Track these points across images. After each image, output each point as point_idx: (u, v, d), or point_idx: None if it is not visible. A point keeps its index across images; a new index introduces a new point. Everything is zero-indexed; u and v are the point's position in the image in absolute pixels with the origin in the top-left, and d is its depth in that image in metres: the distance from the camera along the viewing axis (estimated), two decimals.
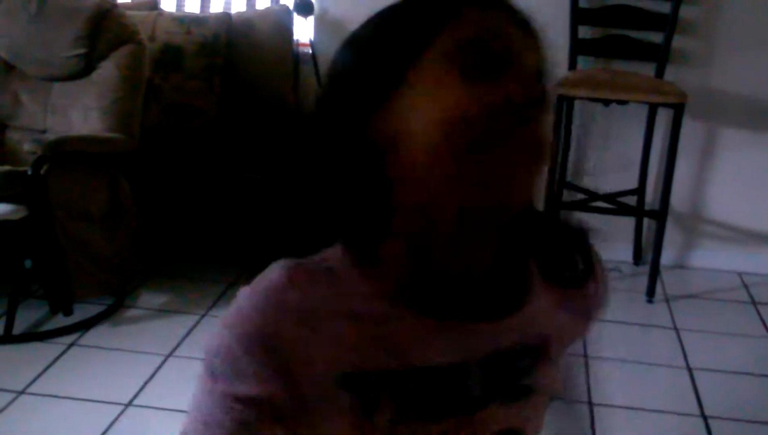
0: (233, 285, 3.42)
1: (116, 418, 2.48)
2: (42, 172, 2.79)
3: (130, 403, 2.56)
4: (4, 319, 2.93)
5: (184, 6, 3.90)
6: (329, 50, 3.81)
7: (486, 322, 0.81)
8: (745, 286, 3.64)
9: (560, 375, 0.90)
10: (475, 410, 0.81)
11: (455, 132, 0.72)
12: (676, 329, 3.22)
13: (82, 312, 3.05)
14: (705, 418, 2.64)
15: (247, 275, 0.84)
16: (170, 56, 3.48)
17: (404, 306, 0.78)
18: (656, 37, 3.43)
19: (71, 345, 2.90)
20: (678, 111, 3.17)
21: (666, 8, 3.38)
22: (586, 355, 2.96)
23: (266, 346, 0.76)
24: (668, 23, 3.37)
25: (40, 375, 2.69)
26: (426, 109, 0.73)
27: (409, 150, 0.75)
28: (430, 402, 0.79)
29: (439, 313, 0.79)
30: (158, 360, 2.82)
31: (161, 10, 3.75)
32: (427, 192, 0.75)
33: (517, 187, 0.75)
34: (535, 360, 0.85)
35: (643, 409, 2.68)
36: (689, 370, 2.92)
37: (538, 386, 0.86)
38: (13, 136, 3.22)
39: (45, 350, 2.85)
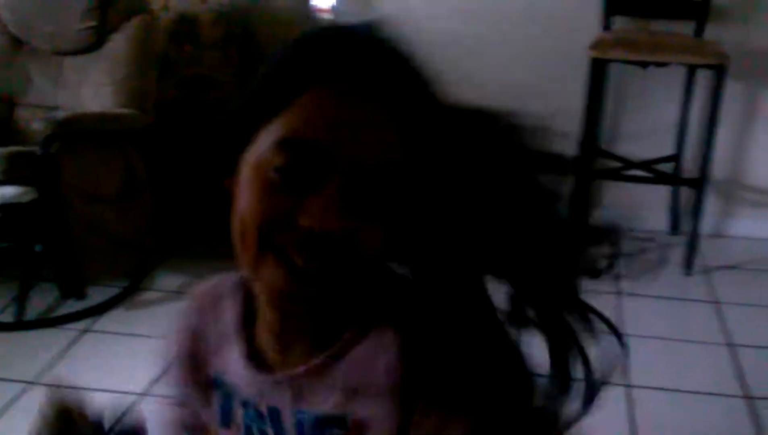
0: None
1: (129, 410, 2.39)
2: (52, 151, 2.68)
3: (144, 393, 2.47)
4: (14, 304, 2.85)
5: None
6: (351, 18, 3.70)
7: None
8: None
9: None
10: None
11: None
12: (716, 303, 3.07)
13: (96, 295, 2.97)
14: (750, 398, 2.50)
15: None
16: (185, 27, 3.36)
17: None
18: None
19: (85, 331, 2.81)
20: (719, 72, 3.00)
21: None
22: (622, 333, 2.83)
23: None
24: None
25: (52, 364, 2.61)
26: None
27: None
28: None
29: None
30: None
31: None
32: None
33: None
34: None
35: (682, 391, 2.55)
36: (731, 347, 2.78)
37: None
38: (23, 113, 3.12)
39: (57, 337, 2.76)
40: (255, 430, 0.88)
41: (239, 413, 0.89)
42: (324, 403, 0.82)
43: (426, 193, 0.75)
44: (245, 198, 0.77)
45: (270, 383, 0.86)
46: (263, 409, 0.86)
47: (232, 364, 0.89)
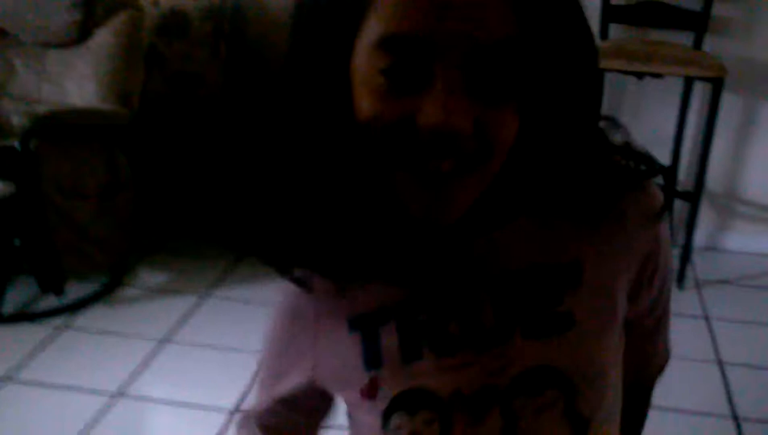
0: (237, 262, 3.26)
1: (104, 409, 2.34)
2: (31, 147, 2.62)
3: (120, 393, 2.42)
4: None
5: None
6: None
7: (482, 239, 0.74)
8: None
9: (621, 310, 0.78)
10: (493, 345, 0.74)
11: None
12: (706, 318, 3.01)
13: (76, 291, 2.91)
14: (737, 419, 2.44)
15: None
16: (175, 22, 3.30)
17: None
18: (694, 4, 3.19)
19: (62, 327, 2.75)
20: (716, 85, 2.94)
21: None
22: None
23: None
24: None
25: (26, 360, 2.55)
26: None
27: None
28: (437, 333, 0.74)
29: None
30: (153, 345, 2.67)
31: None
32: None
33: None
34: (562, 285, 0.75)
35: (667, 409, 2.48)
36: (720, 364, 2.72)
37: (578, 318, 0.74)
38: (6, 106, 3.05)
39: (34, 332, 2.71)
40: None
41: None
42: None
43: (543, 68, 0.67)
44: (361, 113, 0.67)
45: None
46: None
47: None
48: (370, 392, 0.77)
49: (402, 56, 0.63)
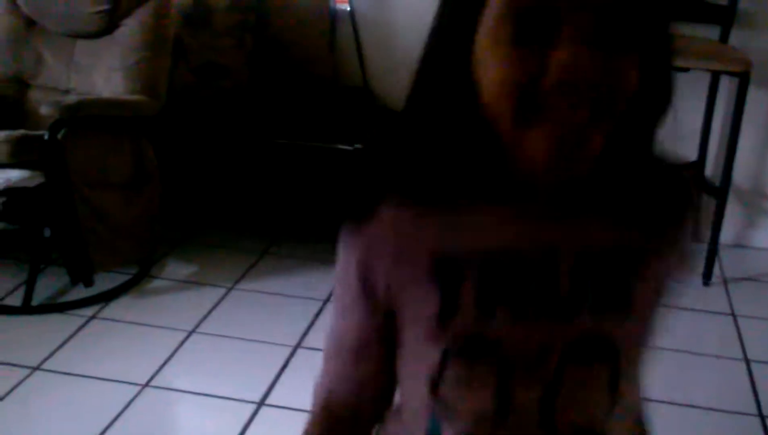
0: (265, 254, 3.28)
1: (132, 400, 2.36)
2: (59, 136, 2.65)
3: (147, 384, 2.44)
4: (23, 289, 2.82)
5: None
6: (368, 8, 3.63)
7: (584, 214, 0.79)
8: None
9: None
10: (563, 313, 0.78)
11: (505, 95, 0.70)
12: (733, 315, 3.00)
13: (105, 282, 2.93)
14: (763, 417, 2.43)
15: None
16: (200, 13, 3.32)
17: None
18: None
19: (91, 318, 2.78)
20: (743, 80, 2.92)
21: None
22: None
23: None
24: None
25: (56, 350, 2.58)
26: (489, 67, 0.71)
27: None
28: (515, 293, 0.77)
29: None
30: (181, 336, 2.69)
31: None
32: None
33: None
34: (632, 273, 0.80)
35: (692, 406, 2.48)
36: (747, 362, 2.71)
37: (639, 305, 0.80)
38: (35, 95, 3.09)
39: (64, 323, 2.73)
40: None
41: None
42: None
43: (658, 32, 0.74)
44: (490, 78, 0.71)
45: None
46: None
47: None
48: (435, 335, 0.79)
49: (528, 21, 0.69)
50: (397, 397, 0.92)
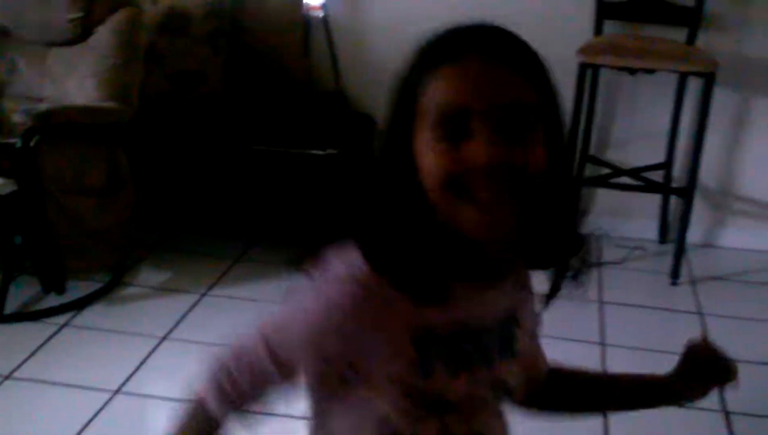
0: (238, 260, 3.30)
1: (103, 406, 2.38)
2: (32, 144, 2.67)
3: (118, 390, 2.46)
4: None
5: None
6: (342, 14, 3.66)
7: (494, 288, 1.00)
8: None
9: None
10: (493, 364, 1.01)
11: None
12: (700, 314, 3.04)
13: (78, 290, 2.95)
14: (727, 413, 2.47)
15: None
16: (175, 20, 3.34)
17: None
18: (688, 0, 3.21)
19: (64, 325, 2.80)
20: (708, 80, 2.97)
21: None
22: (602, 342, 2.81)
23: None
24: None
25: (28, 358, 2.60)
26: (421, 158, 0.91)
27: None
28: (466, 356, 0.99)
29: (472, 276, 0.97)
30: (153, 342, 2.71)
31: None
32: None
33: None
34: (517, 327, 1.05)
35: None
36: None
37: (520, 350, 1.06)
38: (8, 104, 3.10)
39: (36, 331, 2.75)
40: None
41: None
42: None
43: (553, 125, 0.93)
44: (426, 162, 0.90)
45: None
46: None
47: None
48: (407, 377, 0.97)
49: (455, 122, 0.87)
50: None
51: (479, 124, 0.87)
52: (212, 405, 1.08)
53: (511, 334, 1.04)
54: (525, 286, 1.07)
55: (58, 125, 2.79)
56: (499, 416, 1.11)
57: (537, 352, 1.23)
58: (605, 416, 2.39)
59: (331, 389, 1.01)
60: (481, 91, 0.87)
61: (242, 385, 1.06)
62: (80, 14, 3.01)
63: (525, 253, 0.99)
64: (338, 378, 0.98)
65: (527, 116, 0.89)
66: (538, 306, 1.10)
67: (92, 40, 3.04)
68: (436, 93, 0.89)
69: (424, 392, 0.97)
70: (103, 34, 3.02)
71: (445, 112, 0.88)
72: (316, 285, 0.98)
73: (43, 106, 2.84)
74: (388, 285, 0.92)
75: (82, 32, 3.04)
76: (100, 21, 3.03)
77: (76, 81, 3.04)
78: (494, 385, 1.03)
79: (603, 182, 3.46)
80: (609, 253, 3.49)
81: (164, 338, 2.74)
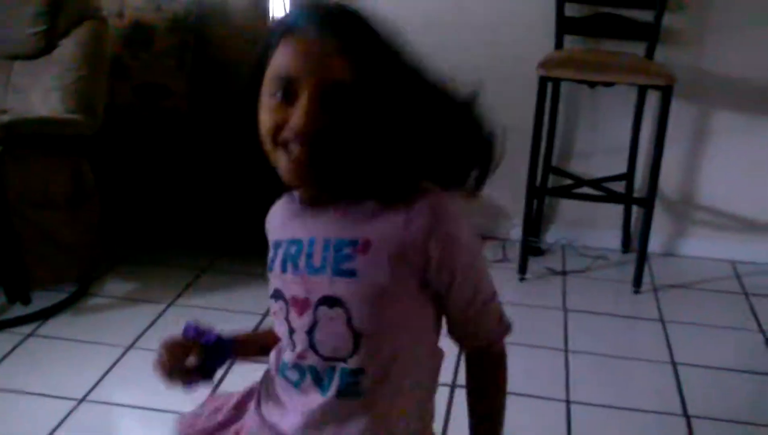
0: (204, 271, 3.31)
1: (67, 415, 2.37)
2: None
3: (83, 399, 2.45)
4: None
5: None
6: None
7: (331, 210, 1.19)
8: (738, 276, 3.50)
9: (385, 276, 1.14)
10: (311, 274, 1.17)
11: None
12: (662, 321, 3.09)
13: (43, 300, 2.94)
14: (687, 417, 2.51)
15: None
16: (140, 34, 3.35)
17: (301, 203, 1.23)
18: (646, 15, 3.28)
19: (29, 335, 2.79)
20: (666, 93, 3.03)
21: None
22: (566, 350, 2.85)
23: None
24: (658, 0, 3.22)
25: None
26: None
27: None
28: (295, 261, 1.20)
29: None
30: (118, 352, 2.71)
31: None
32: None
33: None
34: (355, 252, 1.14)
35: (623, 408, 2.55)
36: (674, 365, 2.79)
37: (360, 273, 1.14)
38: None
39: (1, 340, 2.73)
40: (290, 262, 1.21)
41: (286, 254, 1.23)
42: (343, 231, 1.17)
43: (374, 105, 1.09)
44: (262, 118, 1.12)
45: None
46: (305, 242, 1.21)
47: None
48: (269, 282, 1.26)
49: (283, 86, 1.08)
50: None
51: (303, 92, 1.07)
52: None
53: (342, 254, 1.16)
54: (395, 223, 1.14)
55: (22, 137, 2.79)
56: (357, 335, 1.17)
57: (471, 317, 1.25)
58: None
59: None
60: (306, 64, 1.06)
61: None
62: (44, 27, 3.01)
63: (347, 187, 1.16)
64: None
65: (342, 91, 1.06)
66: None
67: (57, 53, 3.04)
68: (274, 62, 1.09)
69: (271, 284, 1.25)
70: (68, 47, 3.03)
71: (276, 78, 1.08)
72: None
73: (5, 118, 2.84)
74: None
75: (46, 45, 3.04)
76: (65, 34, 3.04)
77: (40, 93, 3.04)
78: (326, 298, 1.16)
79: (566, 193, 3.52)
80: (572, 262, 3.54)
81: (130, 347, 2.74)
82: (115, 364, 2.64)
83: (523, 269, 3.36)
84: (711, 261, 3.60)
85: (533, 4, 3.33)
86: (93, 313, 2.98)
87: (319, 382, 1.20)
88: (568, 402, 2.55)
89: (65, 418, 2.36)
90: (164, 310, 2.99)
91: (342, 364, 1.17)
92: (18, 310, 2.88)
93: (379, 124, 1.09)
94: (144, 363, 2.62)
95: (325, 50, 1.06)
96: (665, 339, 2.96)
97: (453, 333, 1.26)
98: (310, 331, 1.18)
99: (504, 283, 3.29)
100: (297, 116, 1.06)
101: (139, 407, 2.44)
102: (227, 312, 2.99)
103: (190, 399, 2.41)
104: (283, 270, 1.22)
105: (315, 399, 1.20)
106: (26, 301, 2.85)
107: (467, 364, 1.30)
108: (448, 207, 1.13)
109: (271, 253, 1.26)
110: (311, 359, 1.19)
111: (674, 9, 3.30)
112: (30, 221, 2.81)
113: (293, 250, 1.21)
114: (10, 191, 2.72)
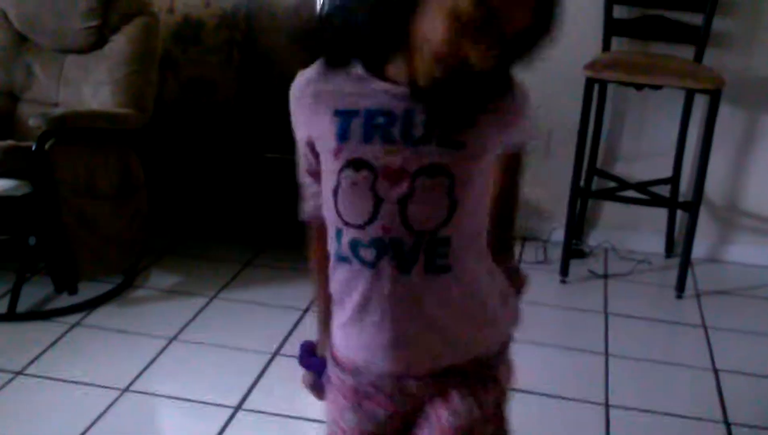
0: (248, 265, 3.35)
1: (112, 404, 2.42)
2: (46, 147, 2.72)
3: (127, 389, 2.50)
4: (9, 296, 2.89)
5: None
6: None
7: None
8: None
9: (492, 146, 1.21)
10: (417, 144, 1.14)
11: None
12: (704, 327, 3.06)
13: (90, 291, 3.00)
14: (728, 424, 2.49)
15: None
16: (189, 29, 3.40)
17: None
18: (696, 19, 3.26)
19: (75, 325, 2.84)
20: (714, 97, 3.00)
21: None
22: (606, 353, 2.83)
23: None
24: (708, 3, 3.19)
25: (39, 355, 2.64)
26: None
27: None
28: (386, 130, 1.15)
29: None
30: (162, 343, 2.75)
31: None
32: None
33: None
34: (463, 127, 1.15)
35: (662, 413, 2.54)
36: (715, 372, 2.77)
37: (469, 144, 1.15)
38: (25, 109, 3.16)
39: (48, 330, 2.80)
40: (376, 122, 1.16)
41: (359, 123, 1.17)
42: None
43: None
44: (438, 29, 1.06)
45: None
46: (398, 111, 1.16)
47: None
48: (336, 153, 1.16)
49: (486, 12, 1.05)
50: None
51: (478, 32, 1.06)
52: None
53: (454, 129, 1.16)
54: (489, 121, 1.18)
55: (73, 130, 2.85)
56: (455, 202, 1.18)
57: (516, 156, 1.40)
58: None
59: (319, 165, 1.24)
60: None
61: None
62: (96, 22, 3.07)
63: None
64: (314, 154, 1.23)
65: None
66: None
67: (108, 48, 3.10)
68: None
69: (346, 154, 1.16)
70: (119, 43, 3.08)
71: (471, 17, 1.05)
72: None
73: (57, 111, 2.90)
74: (322, 77, 1.18)
75: (97, 40, 3.10)
76: (116, 29, 3.09)
77: (91, 87, 3.10)
78: (429, 167, 1.15)
79: (610, 195, 3.50)
80: (615, 266, 3.52)
81: (173, 339, 2.78)
82: (158, 355, 2.68)
83: (564, 272, 3.35)
84: (755, 268, 3.56)
85: (582, 5, 3.31)
86: (138, 304, 3.03)
87: (401, 258, 1.17)
88: (607, 406, 2.55)
89: (108, 407, 2.40)
90: (207, 303, 3.03)
91: (428, 236, 1.16)
92: (65, 300, 2.94)
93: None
94: (187, 355, 2.69)
95: None
96: (707, 345, 2.94)
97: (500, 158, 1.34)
98: (403, 201, 1.14)
99: (545, 286, 3.29)
100: (483, 49, 1.06)
101: (181, 398, 2.48)
102: (269, 307, 3.02)
103: (229, 392, 2.48)
104: (367, 140, 1.15)
105: (398, 280, 1.18)
106: (73, 291, 2.91)
107: (500, 168, 1.38)
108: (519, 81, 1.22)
109: (332, 122, 1.18)
110: (397, 231, 1.15)
111: (724, 12, 3.26)
112: (78, 212, 2.86)
113: (381, 119, 1.15)
114: (60, 182, 2.78)
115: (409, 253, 1.16)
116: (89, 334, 2.81)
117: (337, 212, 1.18)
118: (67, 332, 2.79)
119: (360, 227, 1.17)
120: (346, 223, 1.18)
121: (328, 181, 1.19)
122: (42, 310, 2.91)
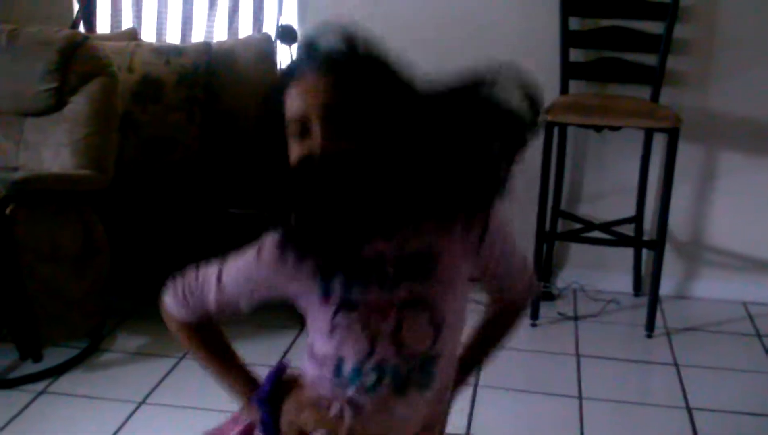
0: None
1: None
2: (7, 212, 2.69)
3: None
4: None
5: (164, 36, 3.80)
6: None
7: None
8: (750, 317, 3.48)
9: (464, 271, 1.31)
10: (394, 285, 1.26)
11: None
12: (676, 365, 3.06)
13: (55, 357, 2.94)
14: None
15: None
16: (149, 88, 3.39)
17: None
18: (651, 59, 3.31)
19: (41, 393, 2.78)
20: (673, 136, 3.04)
21: (660, 29, 3.26)
22: (580, 396, 2.82)
23: None
24: (662, 44, 3.25)
25: (5, 426, 2.58)
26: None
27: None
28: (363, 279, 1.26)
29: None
30: (130, 407, 2.70)
31: (140, 40, 3.66)
32: None
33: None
34: (432, 260, 1.27)
35: None
36: (689, 410, 2.77)
37: (440, 275, 1.27)
38: None
39: (13, 399, 2.73)
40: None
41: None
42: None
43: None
44: (292, 154, 1.21)
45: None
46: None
47: None
48: (325, 305, 1.28)
49: (299, 126, 1.20)
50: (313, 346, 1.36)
51: (314, 123, 1.17)
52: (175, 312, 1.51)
53: (424, 265, 1.27)
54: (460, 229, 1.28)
55: (34, 193, 2.81)
56: (438, 327, 1.29)
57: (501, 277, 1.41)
58: None
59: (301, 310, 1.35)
60: (310, 100, 1.17)
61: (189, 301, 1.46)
62: (55, 84, 3.05)
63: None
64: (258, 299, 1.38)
65: (347, 114, 1.17)
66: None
67: (67, 110, 3.07)
68: (288, 108, 1.20)
69: (341, 302, 1.27)
70: (78, 103, 3.06)
71: (292, 122, 1.19)
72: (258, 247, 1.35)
73: (18, 174, 2.87)
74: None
75: (56, 102, 3.07)
76: (75, 90, 3.06)
77: (51, 149, 3.07)
78: (410, 301, 1.27)
79: (575, 237, 3.52)
80: (584, 307, 3.53)
81: (142, 403, 2.73)
82: (127, 420, 2.63)
83: (534, 315, 3.35)
84: (723, 302, 3.58)
85: (537, 49, 3.35)
86: (105, 368, 2.98)
87: (398, 381, 1.29)
88: None
89: None
90: (176, 365, 2.98)
91: (421, 357, 1.29)
92: (30, 368, 2.88)
93: (396, 138, 1.17)
94: (156, 418, 2.64)
95: (325, 85, 1.17)
96: (679, 383, 2.94)
97: (491, 287, 1.42)
98: (395, 333, 1.27)
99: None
100: (315, 144, 1.16)
101: None
102: None
103: None
104: (351, 290, 1.27)
105: (397, 401, 1.30)
106: (38, 358, 2.85)
107: (491, 313, 1.48)
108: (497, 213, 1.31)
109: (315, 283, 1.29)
110: (394, 360, 1.28)
111: (678, 52, 3.32)
112: (40, 277, 2.82)
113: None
114: (20, 247, 2.74)
115: (406, 375, 1.29)
116: (56, 401, 2.75)
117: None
118: (33, 401, 2.73)
119: (354, 359, 1.29)
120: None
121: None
122: (6, 379, 2.84)
